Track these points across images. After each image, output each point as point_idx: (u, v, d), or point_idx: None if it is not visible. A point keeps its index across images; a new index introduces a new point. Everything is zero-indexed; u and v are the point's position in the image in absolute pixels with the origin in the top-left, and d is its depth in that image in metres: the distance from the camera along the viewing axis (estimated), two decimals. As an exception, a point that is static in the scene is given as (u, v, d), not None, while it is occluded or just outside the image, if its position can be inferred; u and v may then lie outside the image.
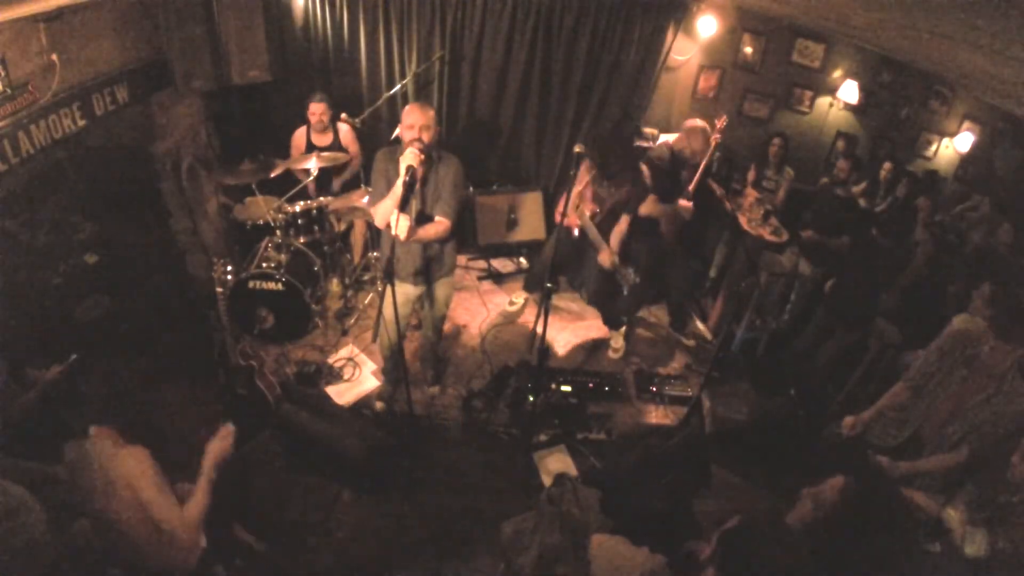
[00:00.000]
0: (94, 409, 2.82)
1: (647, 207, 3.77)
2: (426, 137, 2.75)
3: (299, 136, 4.16)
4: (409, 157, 2.66)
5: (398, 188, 2.66)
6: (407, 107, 2.81)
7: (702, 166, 3.88)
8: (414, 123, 2.74)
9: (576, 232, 3.79)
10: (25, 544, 2.04)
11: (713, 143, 3.88)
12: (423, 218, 2.90)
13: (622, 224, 3.74)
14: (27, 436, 2.41)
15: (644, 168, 3.80)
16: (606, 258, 3.74)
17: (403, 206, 2.65)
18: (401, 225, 2.68)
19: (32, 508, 2.13)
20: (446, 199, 2.89)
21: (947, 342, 2.73)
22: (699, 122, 3.85)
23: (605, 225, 3.76)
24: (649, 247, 4.01)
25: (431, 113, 2.79)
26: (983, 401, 2.57)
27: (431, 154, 2.85)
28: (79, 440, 1.97)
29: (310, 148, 4.11)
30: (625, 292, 3.88)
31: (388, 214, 2.75)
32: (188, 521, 2.11)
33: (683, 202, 3.84)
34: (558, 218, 3.73)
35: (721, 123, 3.91)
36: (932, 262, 3.88)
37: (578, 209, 3.63)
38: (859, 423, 2.93)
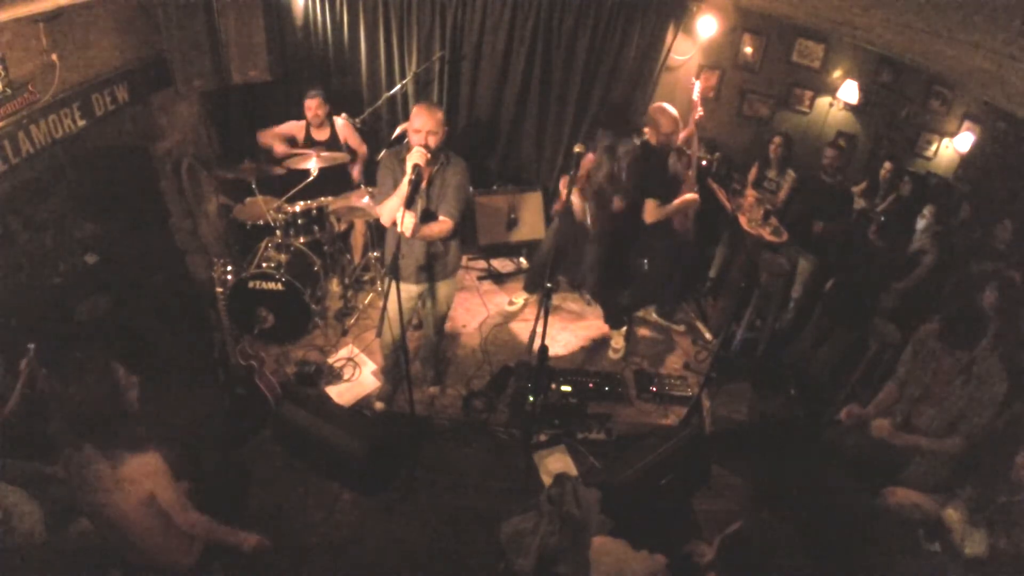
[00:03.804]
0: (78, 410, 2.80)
1: (650, 214, 3.74)
2: (432, 142, 2.76)
3: (296, 128, 4.15)
4: (416, 156, 2.69)
5: (404, 186, 2.69)
6: (415, 108, 2.81)
7: (694, 156, 3.86)
8: (421, 127, 2.74)
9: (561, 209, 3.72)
10: (22, 544, 2.05)
11: (693, 130, 3.84)
12: (428, 216, 2.93)
13: (615, 205, 3.69)
14: (26, 437, 2.41)
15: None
16: (576, 201, 3.69)
17: (409, 204, 2.68)
18: (406, 222, 2.70)
19: (29, 508, 2.14)
20: (451, 200, 2.93)
21: (921, 336, 2.87)
22: (661, 104, 3.75)
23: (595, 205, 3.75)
24: (664, 247, 4.00)
25: (439, 116, 2.79)
26: (957, 388, 2.64)
27: (439, 156, 2.88)
28: (74, 448, 1.96)
29: (308, 143, 4.11)
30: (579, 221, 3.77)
31: (394, 211, 2.78)
32: (196, 523, 2.12)
33: (687, 197, 3.81)
34: (557, 207, 3.71)
35: (695, 114, 3.94)
36: (936, 269, 3.87)
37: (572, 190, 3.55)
38: (859, 414, 2.97)
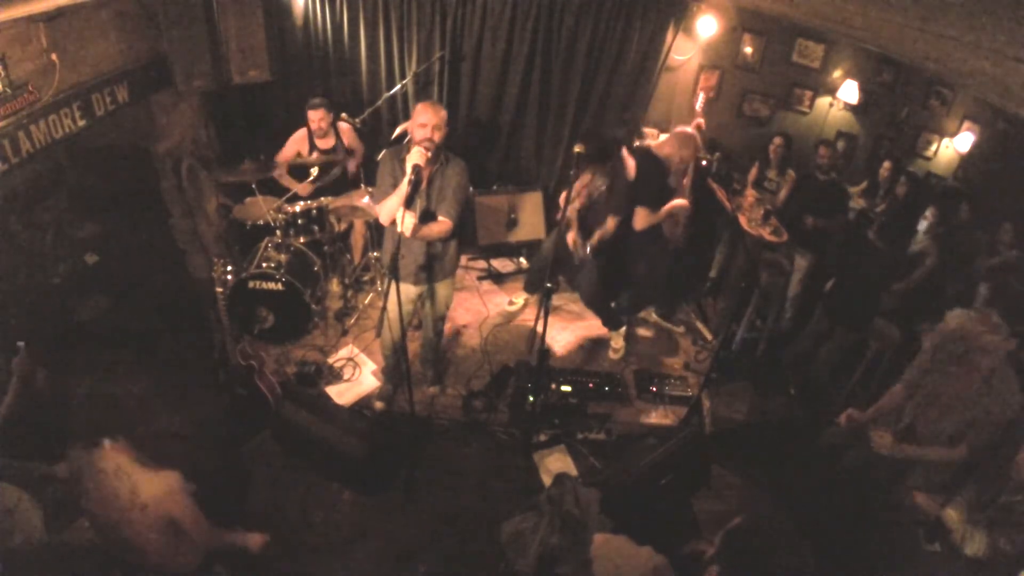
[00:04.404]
0: (92, 411, 2.79)
1: (640, 221, 3.74)
2: (437, 137, 2.79)
3: (300, 139, 4.14)
4: (415, 156, 2.69)
5: (404, 186, 2.69)
6: (419, 106, 2.82)
7: (692, 164, 3.85)
8: (427, 122, 2.76)
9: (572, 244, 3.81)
10: (22, 544, 2.04)
11: (694, 130, 3.83)
12: (427, 216, 2.94)
13: (608, 225, 3.70)
14: (25, 436, 2.41)
15: (628, 157, 3.74)
16: (570, 238, 3.75)
17: (409, 203, 2.69)
18: (406, 222, 2.71)
19: (28, 508, 2.13)
20: (450, 200, 2.94)
21: (940, 339, 2.76)
22: (689, 130, 3.72)
23: (590, 218, 3.76)
24: (657, 252, 4.00)
25: (443, 113, 2.82)
26: (974, 396, 2.60)
27: (439, 155, 2.89)
28: (88, 448, 1.93)
29: (313, 151, 4.11)
30: (576, 261, 3.87)
31: (393, 211, 2.79)
32: (210, 537, 2.11)
33: (676, 203, 3.80)
34: (559, 215, 3.71)
35: (696, 124, 3.93)
36: (936, 272, 3.87)
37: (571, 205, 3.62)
38: (857, 416, 2.95)
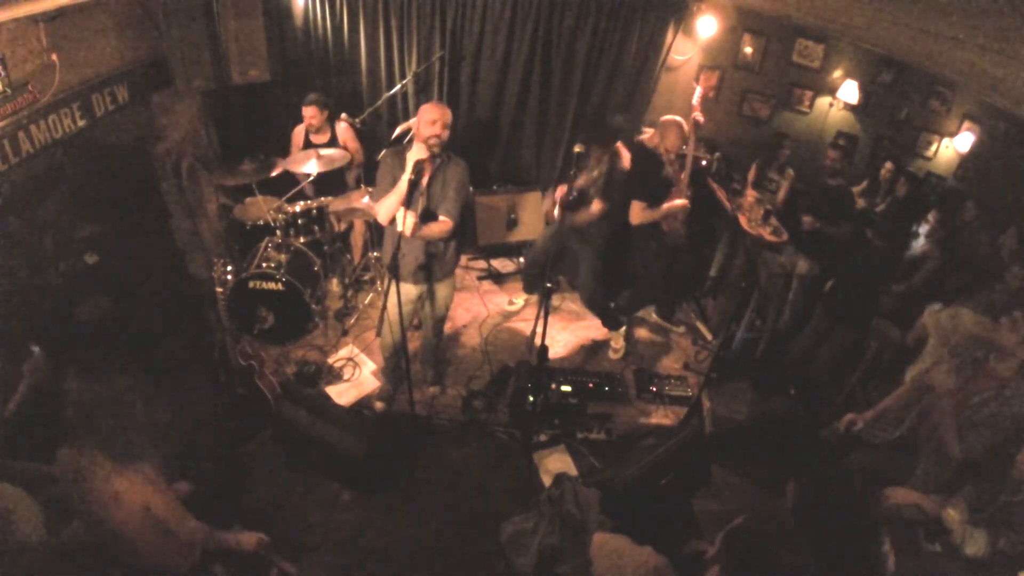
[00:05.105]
0: (88, 411, 2.78)
1: (636, 216, 3.74)
2: (445, 135, 2.81)
3: (298, 133, 4.18)
4: (417, 153, 2.69)
5: (403, 184, 2.69)
6: (426, 105, 2.84)
7: (689, 158, 3.84)
8: (437, 119, 2.77)
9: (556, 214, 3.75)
10: (22, 544, 2.04)
11: (690, 134, 3.81)
12: (428, 215, 2.94)
13: (593, 207, 3.65)
14: (26, 436, 2.41)
15: (623, 149, 3.73)
16: (558, 193, 3.68)
17: (409, 203, 2.68)
18: (407, 221, 2.70)
19: (28, 508, 2.13)
20: (451, 199, 2.94)
21: (956, 345, 2.75)
22: (675, 117, 3.75)
23: (577, 204, 3.72)
24: (655, 248, 4.00)
25: (449, 113, 2.85)
26: (983, 402, 2.59)
27: (442, 154, 2.88)
28: (73, 448, 1.95)
29: (308, 146, 4.12)
30: (546, 220, 3.80)
31: (393, 210, 2.78)
32: (194, 532, 2.11)
33: (675, 203, 3.78)
34: (547, 209, 3.70)
35: (693, 119, 3.91)
36: (937, 275, 3.85)
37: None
38: (859, 421, 2.95)
